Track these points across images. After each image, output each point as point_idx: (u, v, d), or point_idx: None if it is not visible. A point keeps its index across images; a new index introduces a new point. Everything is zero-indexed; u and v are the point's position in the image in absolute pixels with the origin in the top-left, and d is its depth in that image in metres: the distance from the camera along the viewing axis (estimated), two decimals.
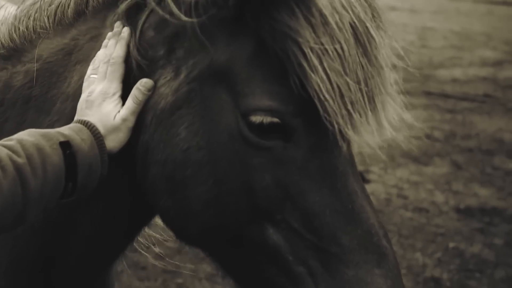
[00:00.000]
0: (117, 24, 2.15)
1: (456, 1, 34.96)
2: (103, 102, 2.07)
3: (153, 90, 2.04)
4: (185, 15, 1.95)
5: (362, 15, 1.92)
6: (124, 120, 2.05)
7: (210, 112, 1.95)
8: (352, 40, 1.89)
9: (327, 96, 1.84)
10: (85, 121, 2.04)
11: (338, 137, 1.91)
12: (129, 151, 2.10)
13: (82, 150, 1.95)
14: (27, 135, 1.91)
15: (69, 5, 2.30)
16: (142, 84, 2.04)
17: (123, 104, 2.08)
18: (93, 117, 2.05)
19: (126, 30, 2.12)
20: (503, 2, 38.11)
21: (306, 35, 1.84)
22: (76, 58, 2.23)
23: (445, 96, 13.55)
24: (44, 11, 2.35)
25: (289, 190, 1.91)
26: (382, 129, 1.97)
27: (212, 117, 1.94)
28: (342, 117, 1.87)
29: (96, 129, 2.03)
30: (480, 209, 8.24)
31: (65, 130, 1.99)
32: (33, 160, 1.85)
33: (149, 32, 2.08)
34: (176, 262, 5.55)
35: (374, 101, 1.94)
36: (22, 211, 1.85)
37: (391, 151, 9.14)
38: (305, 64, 1.84)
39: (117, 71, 2.10)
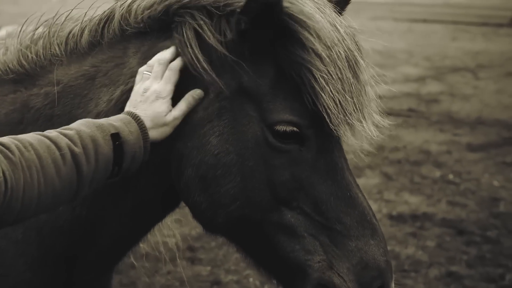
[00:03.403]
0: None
1: (377, 20, 35.86)
2: (156, 101, 2.42)
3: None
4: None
5: (351, 46, 2.44)
6: (175, 119, 2.43)
7: (238, 124, 2.41)
8: (346, 66, 2.40)
9: (333, 110, 2.35)
10: (135, 115, 2.37)
11: (339, 141, 2.46)
12: (162, 157, 2.50)
13: (129, 141, 2.29)
14: (85, 126, 2.25)
15: (81, 35, 2.63)
16: (197, 93, 2.45)
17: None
18: (144, 112, 2.39)
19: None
20: (423, 20, 39.36)
21: (316, 64, 2.34)
22: (100, 82, 2.57)
23: None
24: (53, 38, 2.67)
25: (303, 183, 2.40)
26: (370, 134, 2.49)
27: (240, 128, 2.40)
28: (343, 125, 2.39)
29: (144, 123, 2.35)
30: (412, 215, 8.73)
31: (117, 121, 2.31)
32: (88, 150, 2.19)
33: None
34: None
35: (363, 112, 2.45)
36: (76, 192, 2.21)
37: None
38: (316, 86, 2.34)
39: (173, 77, 2.47)
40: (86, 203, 2.56)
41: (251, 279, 6.99)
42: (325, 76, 2.34)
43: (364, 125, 2.47)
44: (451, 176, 10.38)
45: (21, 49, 2.70)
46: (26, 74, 2.68)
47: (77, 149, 2.17)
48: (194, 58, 2.42)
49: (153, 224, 2.79)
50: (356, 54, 2.47)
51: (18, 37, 2.74)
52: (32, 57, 2.68)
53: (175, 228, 3.10)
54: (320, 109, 2.36)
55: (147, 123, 2.37)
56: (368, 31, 2.71)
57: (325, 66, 2.35)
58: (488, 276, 7.16)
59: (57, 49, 2.66)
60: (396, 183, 10.01)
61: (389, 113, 2.61)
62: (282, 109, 2.39)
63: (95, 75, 2.59)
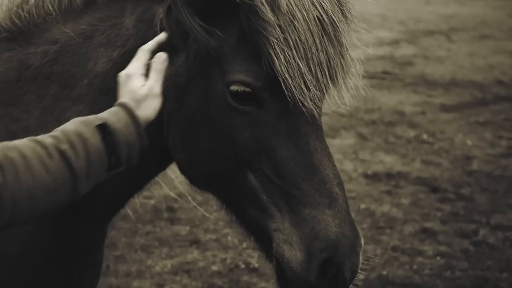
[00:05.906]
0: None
1: None
2: (128, 81, 2.45)
3: (169, 62, 2.51)
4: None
5: (330, 9, 2.42)
6: (150, 88, 2.46)
7: (208, 85, 2.47)
8: (316, 31, 2.39)
9: (287, 75, 2.35)
10: (119, 102, 2.39)
11: (298, 106, 2.38)
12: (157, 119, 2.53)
13: (119, 129, 2.30)
14: (70, 124, 2.27)
15: None
16: (158, 57, 2.49)
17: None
18: (124, 97, 2.42)
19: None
20: None
21: (273, 31, 2.34)
22: (98, 42, 2.61)
23: None
24: None
25: (263, 145, 2.41)
26: (342, 98, 2.50)
27: (209, 89, 2.46)
28: (301, 91, 2.36)
29: (130, 107, 2.36)
30: (387, 174, 8.88)
31: (104, 114, 2.33)
32: (75, 145, 2.21)
33: (172, 26, 2.50)
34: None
35: (336, 77, 2.44)
36: (74, 188, 2.22)
37: None
38: (271, 52, 2.34)
39: (143, 56, 2.49)
40: None
41: (229, 238, 7.11)
42: (281, 42, 2.35)
43: (334, 91, 2.46)
44: (425, 136, 10.52)
45: (12, 8, 2.68)
46: (20, 32, 2.69)
47: (64, 146, 2.19)
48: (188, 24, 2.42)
49: (155, 175, 2.84)
50: (335, 18, 2.44)
51: None
52: (24, 15, 2.67)
53: (154, 189, 3.14)
54: (276, 74, 2.36)
55: (131, 103, 2.39)
56: None
57: (282, 32, 2.35)
58: (461, 232, 7.34)
59: (50, 7, 2.66)
60: (371, 143, 10.14)
61: (364, 75, 2.60)
62: (238, 70, 2.41)
63: (93, 33, 2.62)
